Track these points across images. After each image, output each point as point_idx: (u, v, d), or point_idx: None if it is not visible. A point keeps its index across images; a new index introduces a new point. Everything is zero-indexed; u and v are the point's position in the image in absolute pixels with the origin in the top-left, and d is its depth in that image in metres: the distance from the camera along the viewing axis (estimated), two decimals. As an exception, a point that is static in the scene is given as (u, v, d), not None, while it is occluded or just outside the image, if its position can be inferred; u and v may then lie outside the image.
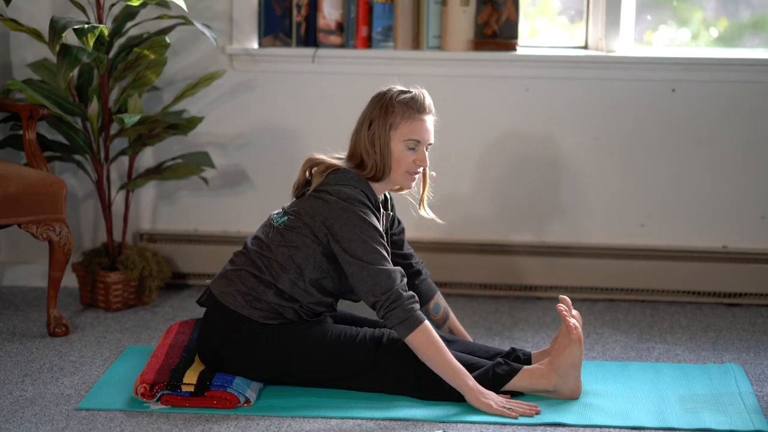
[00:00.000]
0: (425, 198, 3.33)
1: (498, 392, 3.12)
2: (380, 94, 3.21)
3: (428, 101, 3.20)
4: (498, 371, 3.14)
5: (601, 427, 3.01)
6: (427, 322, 3.07)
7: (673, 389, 3.25)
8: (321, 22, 4.10)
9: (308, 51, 4.10)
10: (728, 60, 4.04)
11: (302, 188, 3.25)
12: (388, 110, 3.16)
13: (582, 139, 4.11)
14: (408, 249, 3.44)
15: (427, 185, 3.32)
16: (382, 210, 3.23)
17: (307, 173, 3.23)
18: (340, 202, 3.09)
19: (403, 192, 3.30)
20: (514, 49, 4.09)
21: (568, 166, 4.13)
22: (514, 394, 3.15)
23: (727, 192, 4.11)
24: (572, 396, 3.16)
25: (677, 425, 3.00)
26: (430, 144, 3.22)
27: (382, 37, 4.09)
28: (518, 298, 4.16)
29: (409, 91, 3.19)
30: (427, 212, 3.34)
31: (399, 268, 3.11)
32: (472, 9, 4.06)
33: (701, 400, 3.18)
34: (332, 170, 3.17)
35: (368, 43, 4.11)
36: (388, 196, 3.35)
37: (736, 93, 4.05)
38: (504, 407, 3.04)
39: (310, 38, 4.14)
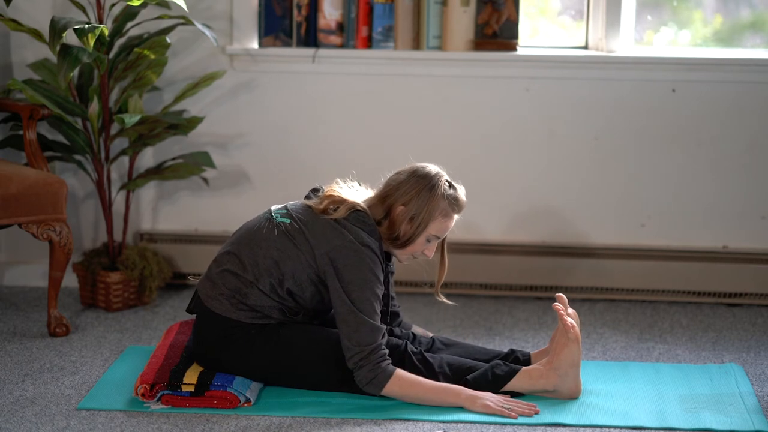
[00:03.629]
0: (439, 286, 3.32)
1: (497, 393, 3.12)
2: (428, 177, 3.16)
3: (465, 201, 3.21)
4: (497, 372, 3.14)
5: (601, 427, 3.01)
6: (397, 370, 3.06)
7: (674, 389, 3.25)
8: (321, 22, 4.10)
9: (308, 51, 4.10)
10: (728, 60, 4.04)
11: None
12: (435, 203, 3.14)
13: (582, 139, 4.11)
14: (392, 291, 3.42)
15: (444, 275, 3.31)
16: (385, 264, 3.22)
17: (331, 208, 3.17)
18: (356, 244, 3.08)
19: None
20: (515, 49, 4.09)
21: (568, 166, 4.13)
22: (513, 395, 3.15)
23: (728, 192, 4.11)
24: (572, 396, 3.16)
25: (677, 425, 3.00)
26: None
27: (382, 38, 4.09)
28: (518, 298, 4.16)
29: (455, 188, 3.18)
30: (441, 298, 3.34)
31: (384, 327, 3.09)
32: (472, 9, 4.06)
33: (701, 400, 3.18)
34: (356, 210, 3.15)
35: (368, 43, 4.11)
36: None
37: (736, 93, 4.04)
38: (502, 406, 3.04)
39: (311, 38, 4.14)
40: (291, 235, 3.14)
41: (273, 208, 3.25)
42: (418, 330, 3.47)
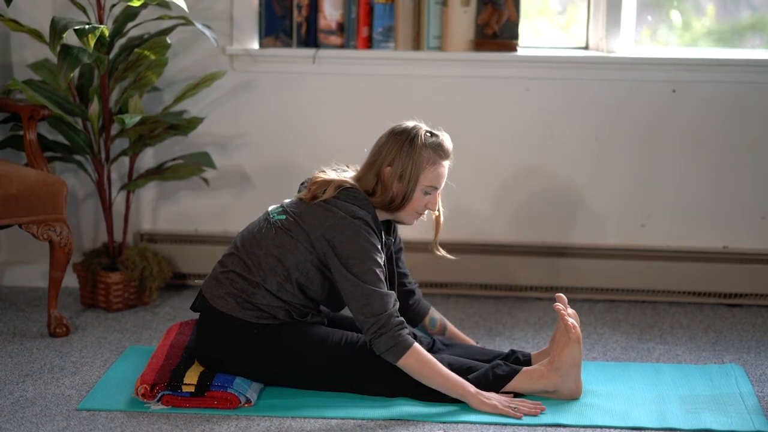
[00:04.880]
0: (437, 240, 3.33)
1: (499, 393, 3.13)
2: (406, 131, 3.18)
3: (451, 146, 3.21)
4: (498, 372, 3.14)
5: (601, 427, 3.01)
6: (416, 344, 3.07)
7: (674, 390, 3.25)
8: (321, 23, 4.10)
9: (309, 51, 4.10)
10: (728, 60, 4.04)
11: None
12: (418, 154, 3.15)
13: (582, 139, 4.11)
14: (404, 268, 3.44)
15: (440, 228, 3.32)
16: (383, 235, 3.22)
17: (319, 192, 3.19)
18: (348, 218, 3.09)
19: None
20: (515, 50, 4.09)
21: (568, 166, 4.13)
22: (514, 396, 3.15)
23: (728, 192, 4.11)
24: (573, 396, 3.16)
25: (678, 426, 3.00)
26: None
27: (382, 38, 4.09)
28: (519, 298, 4.16)
29: (436, 135, 3.19)
30: (440, 251, 3.34)
31: (393, 292, 3.11)
32: (472, 9, 4.06)
33: (702, 400, 3.18)
34: (344, 187, 3.17)
35: (369, 43, 4.11)
36: (394, 225, 3.35)
37: (736, 93, 4.05)
38: (509, 407, 3.05)
39: (311, 39, 4.14)
40: (288, 229, 3.15)
41: (270, 208, 3.27)
42: (435, 314, 3.49)
